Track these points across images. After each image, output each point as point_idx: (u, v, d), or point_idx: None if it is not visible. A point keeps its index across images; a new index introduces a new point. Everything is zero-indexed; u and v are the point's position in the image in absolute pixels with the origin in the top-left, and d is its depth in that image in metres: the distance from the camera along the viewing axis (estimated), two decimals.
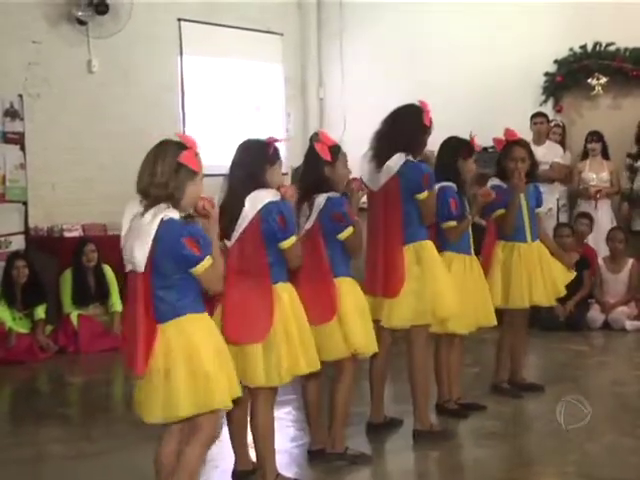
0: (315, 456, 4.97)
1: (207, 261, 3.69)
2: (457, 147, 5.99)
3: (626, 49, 10.30)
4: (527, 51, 10.68)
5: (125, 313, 3.81)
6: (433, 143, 5.75)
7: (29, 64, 9.81)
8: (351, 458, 4.91)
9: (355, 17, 12.14)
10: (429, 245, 5.37)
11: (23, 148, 9.28)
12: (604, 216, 10.01)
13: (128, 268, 3.74)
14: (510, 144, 6.42)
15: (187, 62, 11.31)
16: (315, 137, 4.98)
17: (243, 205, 4.29)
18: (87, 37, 10.21)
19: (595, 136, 10.10)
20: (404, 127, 5.43)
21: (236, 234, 4.32)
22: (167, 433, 3.86)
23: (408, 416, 5.46)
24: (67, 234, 9.39)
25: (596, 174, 10.08)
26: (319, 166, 4.86)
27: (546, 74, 10.73)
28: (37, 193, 9.58)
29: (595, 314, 9.18)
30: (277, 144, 4.45)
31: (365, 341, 4.82)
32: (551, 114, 10.54)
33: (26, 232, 9.28)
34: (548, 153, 10.12)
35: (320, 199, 4.81)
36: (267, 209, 4.25)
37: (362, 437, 5.38)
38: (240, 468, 4.73)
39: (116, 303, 9.00)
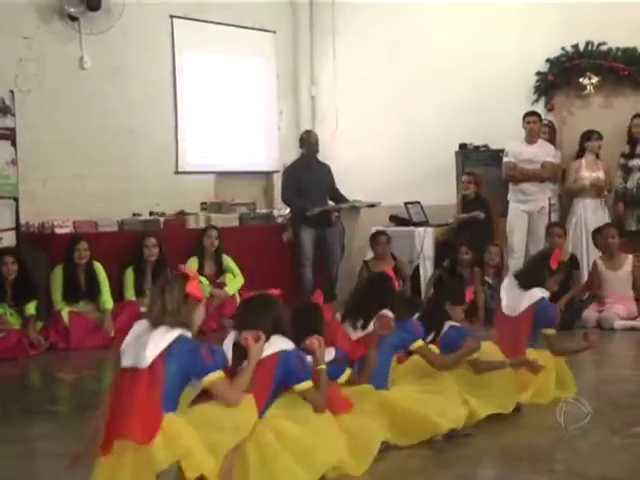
0: None
1: (218, 374, 4.03)
2: (451, 292, 6.07)
3: (618, 49, 10.37)
4: (519, 50, 10.72)
5: (114, 407, 3.97)
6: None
7: (20, 60, 9.82)
8: None
9: (347, 14, 12.15)
10: None
11: (14, 144, 9.24)
12: (601, 215, 10.03)
13: (127, 364, 3.98)
14: None
15: (179, 59, 11.30)
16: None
17: None
18: (79, 33, 10.22)
19: (596, 134, 10.10)
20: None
21: None
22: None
23: None
24: (58, 230, 9.37)
25: (591, 173, 10.10)
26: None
27: (538, 73, 10.77)
28: (28, 189, 9.57)
29: (589, 313, 9.18)
30: None
31: None
32: (542, 113, 10.57)
33: (17, 228, 9.25)
34: (540, 152, 10.17)
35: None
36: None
37: None
38: None
39: (107, 300, 9.00)
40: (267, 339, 4.40)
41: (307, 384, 4.49)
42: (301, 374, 4.46)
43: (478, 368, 5.69)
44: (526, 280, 6.22)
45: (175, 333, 3.98)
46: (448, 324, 5.84)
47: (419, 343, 5.45)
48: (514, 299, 6.21)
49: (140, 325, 4.12)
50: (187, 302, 4.08)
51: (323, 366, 4.70)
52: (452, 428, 5.16)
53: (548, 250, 6.73)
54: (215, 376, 4.00)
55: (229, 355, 4.39)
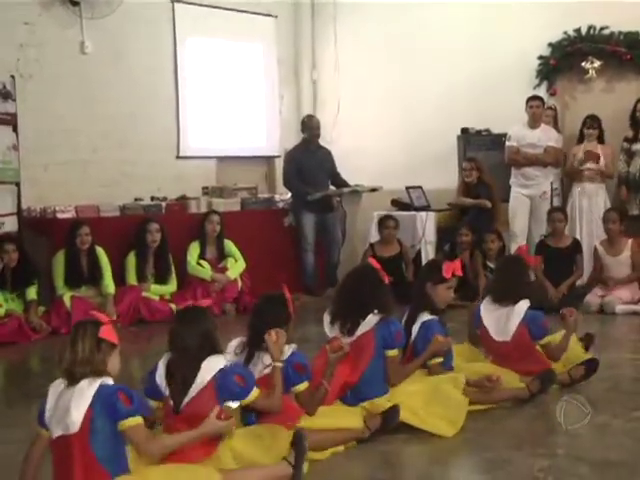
0: None
1: (136, 419, 3.75)
2: (428, 271, 5.86)
3: (620, 33, 10.32)
4: (521, 35, 10.68)
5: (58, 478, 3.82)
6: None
7: (21, 45, 9.79)
8: None
9: None
10: None
11: (15, 129, 9.22)
12: (599, 200, 10.02)
13: (57, 433, 3.76)
14: None
15: (180, 43, 11.27)
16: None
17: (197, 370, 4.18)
18: (80, 18, 10.18)
19: (595, 122, 10.07)
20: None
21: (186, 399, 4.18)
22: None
23: None
24: (60, 215, 9.36)
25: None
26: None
27: (540, 57, 10.73)
28: (30, 174, 9.54)
29: (591, 298, 9.17)
30: None
31: None
32: (545, 97, 10.54)
33: (19, 213, 9.25)
34: (543, 136, 10.14)
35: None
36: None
37: None
38: None
39: (109, 285, 9.01)
40: (197, 355, 4.17)
41: (252, 396, 4.28)
42: (240, 389, 4.22)
43: (432, 370, 5.45)
44: (510, 294, 5.88)
45: (96, 385, 3.75)
46: (420, 321, 5.55)
47: (394, 352, 5.21)
48: (501, 320, 5.86)
49: (55, 387, 3.88)
50: (101, 348, 3.80)
51: (278, 364, 4.53)
52: None
53: (514, 256, 6.54)
54: (132, 421, 3.73)
55: (162, 378, 4.20)
